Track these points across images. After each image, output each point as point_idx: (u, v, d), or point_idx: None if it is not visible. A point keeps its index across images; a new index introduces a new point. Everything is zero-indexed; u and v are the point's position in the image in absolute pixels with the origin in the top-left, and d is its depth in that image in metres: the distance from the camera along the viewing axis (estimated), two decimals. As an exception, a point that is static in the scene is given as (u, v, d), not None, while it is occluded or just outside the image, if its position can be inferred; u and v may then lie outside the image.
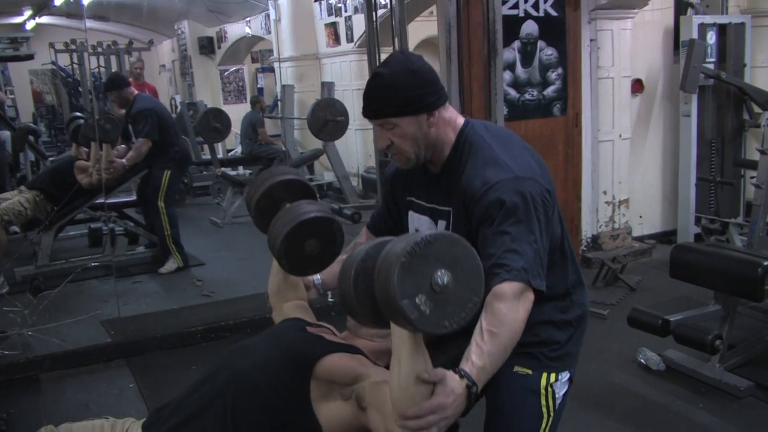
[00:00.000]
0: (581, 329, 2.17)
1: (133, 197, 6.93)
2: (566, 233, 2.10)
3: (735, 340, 4.02)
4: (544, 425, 2.07)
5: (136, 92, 6.37)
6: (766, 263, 3.56)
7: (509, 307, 1.76)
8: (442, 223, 2.06)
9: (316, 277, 2.38)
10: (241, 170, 10.53)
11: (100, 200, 6.16)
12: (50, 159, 8.43)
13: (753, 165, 5.51)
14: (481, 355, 1.73)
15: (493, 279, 1.78)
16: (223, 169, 8.77)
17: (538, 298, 1.86)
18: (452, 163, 2.03)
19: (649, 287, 5.46)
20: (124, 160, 6.08)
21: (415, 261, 1.53)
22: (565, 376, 2.10)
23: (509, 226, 1.84)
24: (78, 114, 7.80)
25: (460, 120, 2.06)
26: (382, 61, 2.03)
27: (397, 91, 1.92)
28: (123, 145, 6.36)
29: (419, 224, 2.16)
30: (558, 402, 2.08)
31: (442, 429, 1.66)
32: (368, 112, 2.00)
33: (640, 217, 6.60)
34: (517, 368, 2.03)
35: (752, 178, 5.44)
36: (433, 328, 1.57)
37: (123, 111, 6.36)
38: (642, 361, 4.14)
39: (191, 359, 4.46)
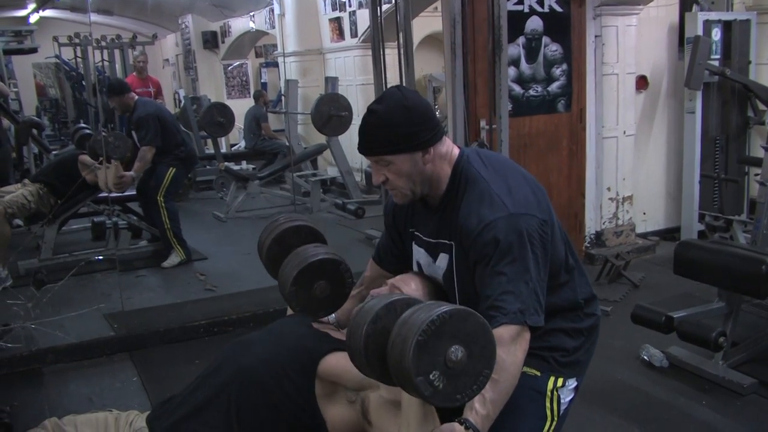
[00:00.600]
0: (592, 339, 2.18)
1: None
2: (571, 250, 2.11)
3: (738, 337, 4.02)
4: (546, 428, 2.08)
5: (137, 98, 6.36)
6: (770, 260, 3.56)
7: (508, 352, 1.80)
8: (443, 257, 2.06)
9: (331, 316, 2.39)
10: (244, 165, 10.55)
11: (104, 194, 6.16)
12: (53, 152, 8.44)
13: (757, 162, 5.50)
14: (484, 404, 1.76)
15: (491, 322, 1.78)
16: (226, 163, 8.77)
17: (547, 313, 1.90)
18: (449, 198, 2.04)
19: (653, 284, 5.46)
20: (132, 173, 6.08)
21: (431, 339, 1.55)
22: (572, 383, 2.11)
23: (505, 266, 1.86)
24: (83, 125, 7.80)
25: (456, 152, 2.06)
26: (377, 98, 2.04)
27: (391, 128, 1.92)
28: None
29: (418, 257, 2.18)
30: (562, 408, 2.10)
31: None
32: (363, 149, 2.00)
33: (644, 213, 6.59)
34: (525, 369, 2.03)
35: (756, 175, 5.43)
36: (445, 402, 1.60)
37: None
38: (645, 357, 4.13)
39: (194, 353, 4.46)
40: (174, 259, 6.27)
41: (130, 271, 6.13)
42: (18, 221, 6.27)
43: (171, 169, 6.19)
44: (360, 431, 1.93)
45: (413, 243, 2.21)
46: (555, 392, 2.07)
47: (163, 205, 6.17)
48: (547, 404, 2.07)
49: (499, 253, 1.87)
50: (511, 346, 1.81)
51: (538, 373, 2.06)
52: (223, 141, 10.18)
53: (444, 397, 1.58)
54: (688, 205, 6.29)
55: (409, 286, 2.12)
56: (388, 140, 1.94)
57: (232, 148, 11.10)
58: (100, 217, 6.81)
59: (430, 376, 1.55)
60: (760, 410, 3.59)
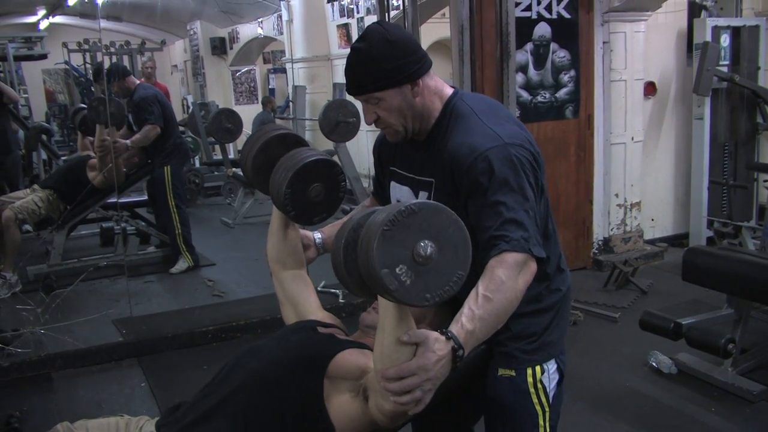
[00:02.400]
0: (561, 314, 2.08)
1: (145, 197, 6.96)
2: (551, 215, 2.04)
3: (748, 344, 3.99)
4: (542, 421, 2.03)
5: (138, 82, 6.37)
6: (779, 267, 3.55)
7: (508, 275, 1.72)
8: (423, 194, 2.01)
9: (317, 236, 2.32)
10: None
11: (113, 200, 6.18)
12: (63, 158, 8.47)
13: (766, 168, 5.51)
14: (472, 319, 1.68)
15: (492, 250, 1.74)
16: (234, 169, 8.77)
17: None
18: (437, 132, 1.98)
19: (661, 290, 5.44)
20: (128, 141, 6.08)
21: (397, 230, 1.48)
22: (552, 366, 2.03)
23: (503, 195, 1.79)
24: (83, 105, 7.81)
25: (448, 90, 2.02)
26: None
27: (376, 64, 1.88)
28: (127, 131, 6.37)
29: (400, 195, 2.12)
30: (551, 394, 2.03)
31: (426, 393, 1.63)
32: (351, 89, 1.96)
33: (652, 220, 6.58)
34: (500, 371, 2.00)
35: (765, 181, 5.44)
36: (413, 299, 1.52)
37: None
38: (653, 364, 4.12)
39: (202, 359, 4.47)
40: (182, 264, 6.28)
41: (138, 276, 6.14)
42: (27, 227, 6.29)
43: (166, 168, 6.18)
44: (365, 427, 1.91)
45: (394, 181, 2.16)
46: (539, 384, 2.01)
47: (174, 209, 6.18)
48: (534, 400, 2.01)
49: (495, 182, 1.80)
50: (513, 269, 1.73)
51: (513, 373, 2.00)
52: (231, 147, 10.20)
53: (412, 294, 1.51)
54: (697, 211, 6.28)
55: None
56: (375, 76, 1.89)
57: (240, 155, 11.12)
58: (108, 222, 6.83)
59: (397, 269, 1.48)
60: (770, 417, 3.59)
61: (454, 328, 1.67)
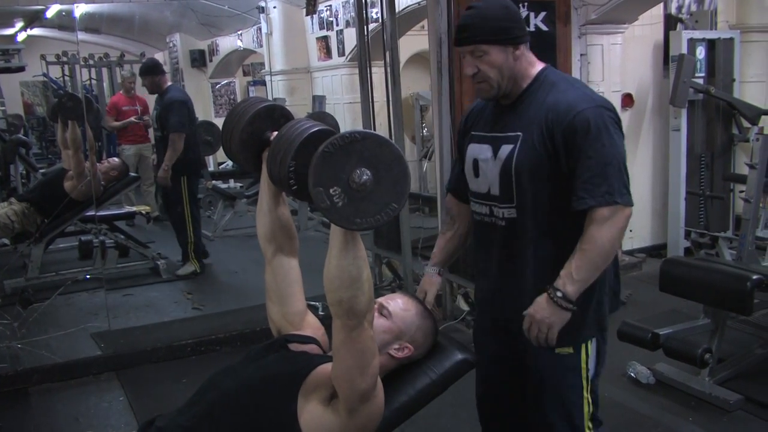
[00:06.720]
0: (603, 289, 2.34)
1: (123, 210, 6.96)
2: None
3: (724, 353, 4.03)
4: (585, 393, 2.28)
5: (170, 83, 6.37)
6: (755, 277, 3.59)
7: (598, 229, 2.06)
8: (506, 147, 2.20)
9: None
10: (232, 183, 10.53)
11: (91, 212, 6.14)
12: (41, 171, 8.41)
13: (742, 179, 5.54)
14: (568, 268, 2.08)
15: (578, 204, 2.08)
16: (214, 182, 8.76)
17: None
18: (529, 94, 2.23)
19: (639, 301, 5.47)
20: (164, 166, 6.12)
21: (337, 153, 1.56)
22: (593, 344, 2.28)
23: (594, 150, 2.08)
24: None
25: (541, 64, 2.28)
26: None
27: (490, 20, 2.15)
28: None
29: (479, 152, 2.31)
30: (591, 372, 2.29)
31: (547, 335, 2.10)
32: (461, 40, 2.20)
33: (630, 230, 6.59)
34: (558, 349, 2.19)
35: (741, 192, 5.47)
36: (342, 221, 1.61)
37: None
38: (632, 374, 4.14)
39: (181, 372, 4.45)
40: (188, 268, 6.43)
41: (117, 290, 6.09)
42: (4, 240, 6.24)
43: (182, 178, 6.25)
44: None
45: (473, 143, 2.35)
46: (586, 363, 2.26)
47: (189, 219, 6.31)
48: (583, 374, 2.25)
49: (589, 138, 2.08)
50: (602, 224, 2.05)
51: (571, 350, 2.22)
52: (210, 159, 10.17)
53: (341, 217, 1.60)
54: (674, 222, 6.32)
55: (396, 302, 2.12)
56: (487, 30, 2.14)
57: (220, 167, 11.08)
58: (87, 235, 6.78)
59: (331, 190, 1.57)
60: (746, 426, 3.61)
61: (558, 281, 2.09)
